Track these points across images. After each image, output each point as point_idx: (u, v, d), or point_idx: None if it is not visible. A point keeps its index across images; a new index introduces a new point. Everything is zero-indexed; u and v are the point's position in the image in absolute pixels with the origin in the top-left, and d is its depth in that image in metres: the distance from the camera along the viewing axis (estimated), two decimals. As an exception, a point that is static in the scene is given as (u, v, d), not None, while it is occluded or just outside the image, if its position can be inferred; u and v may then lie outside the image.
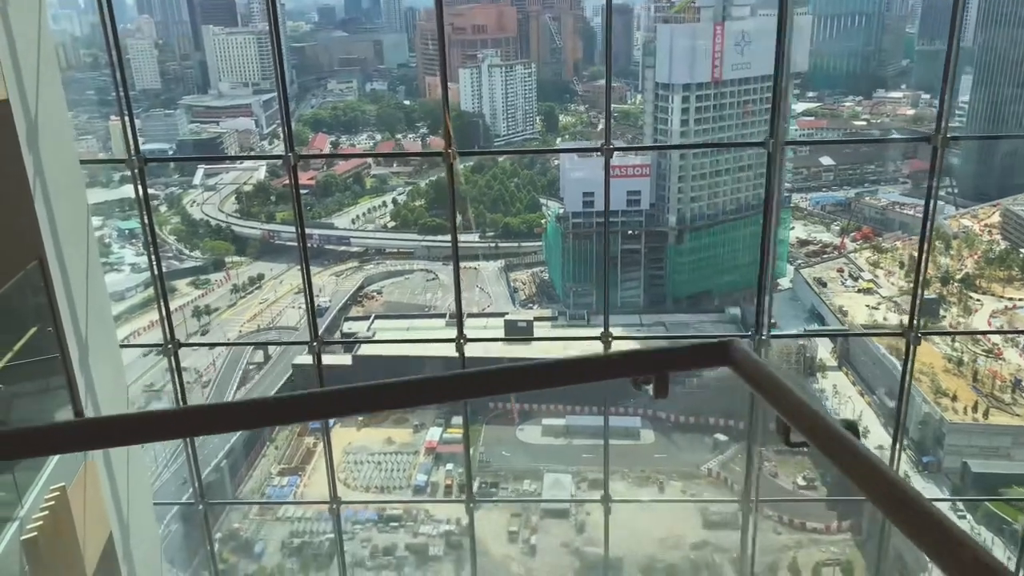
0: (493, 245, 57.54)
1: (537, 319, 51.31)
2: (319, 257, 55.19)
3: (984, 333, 48.81)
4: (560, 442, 43.45)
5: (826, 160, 59.94)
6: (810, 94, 63.19)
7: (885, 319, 47.61)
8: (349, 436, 43.12)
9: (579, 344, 37.46)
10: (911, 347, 10.06)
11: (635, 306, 52.20)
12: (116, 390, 8.55)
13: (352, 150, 63.86)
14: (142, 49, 64.69)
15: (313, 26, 74.01)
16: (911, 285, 10.51)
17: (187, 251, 57.79)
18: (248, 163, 65.12)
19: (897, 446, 11.14)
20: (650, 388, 2.19)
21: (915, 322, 10.17)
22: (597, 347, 10.56)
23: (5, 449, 2.24)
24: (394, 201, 61.28)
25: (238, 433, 38.99)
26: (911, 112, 61.67)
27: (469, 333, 10.10)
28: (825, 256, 54.13)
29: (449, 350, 10.21)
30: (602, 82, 62.34)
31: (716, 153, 52.71)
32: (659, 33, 54.92)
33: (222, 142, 63.13)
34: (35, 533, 6.08)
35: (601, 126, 59.85)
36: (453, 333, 10.07)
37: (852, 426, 1.77)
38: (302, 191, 10.85)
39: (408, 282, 56.63)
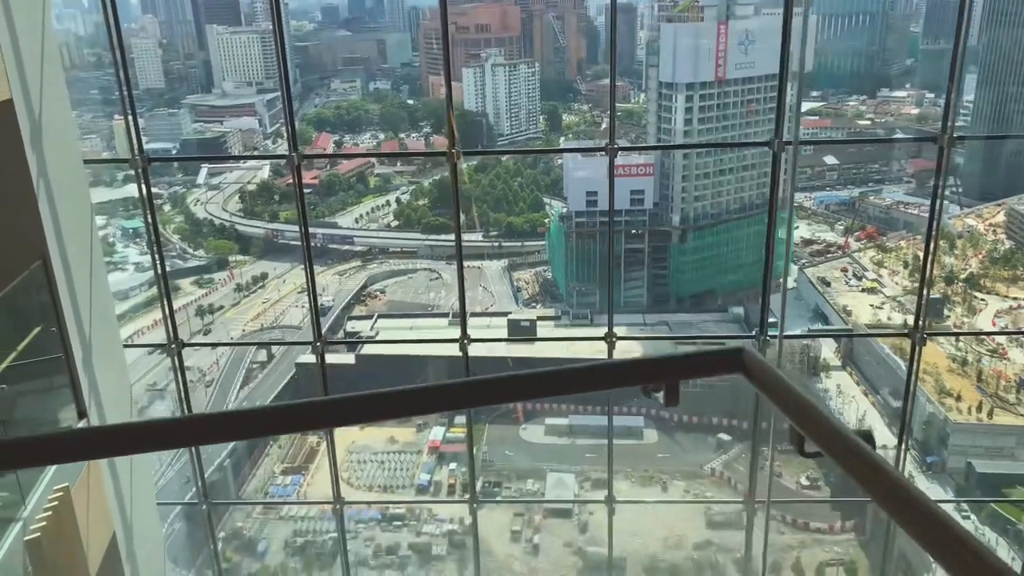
0: (496, 244, 57.51)
1: (540, 318, 51.23)
2: (322, 256, 55.25)
3: (991, 334, 48.65)
4: (563, 441, 43.40)
5: (830, 159, 59.79)
6: (814, 93, 63.03)
7: (889, 319, 47.48)
8: (352, 435, 43.12)
9: (583, 344, 37.47)
10: (917, 348, 10.03)
11: (638, 305, 52.13)
12: (119, 390, 8.54)
13: (355, 149, 63.88)
14: (146, 48, 64.74)
15: (317, 25, 74.04)
16: (915, 285, 10.49)
17: (191, 250, 57.87)
18: (252, 162, 65.19)
19: (902, 446, 11.11)
20: (660, 395, 2.17)
21: (920, 322, 10.14)
22: (601, 347, 10.55)
23: (6, 459, 2.22)
24: (397, 200, 61.28)
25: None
26: (915, 111, 61.54)
27: (472, 332, 10.08)
28: (829, 256, 54.02)
29: (453, 350, 10.20)
30: (605, 81, 62.28)
31: (720, 152, 52.64)
32: (663, 32, 54.87)
33: (226, 141, 63.19)
34: (38, 534, 6.07)
35: (604, 125, 59.84)
36: (456, 332, 10.07)
37: (868, 436, 1.74)
38: (305, 190, 10.84)
39: (411, 281, 56.64)
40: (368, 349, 43.59)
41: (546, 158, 62.79)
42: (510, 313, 50.49)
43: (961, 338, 43.99)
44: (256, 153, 65.63)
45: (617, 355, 10.99)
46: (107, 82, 53.66)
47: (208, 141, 62.45)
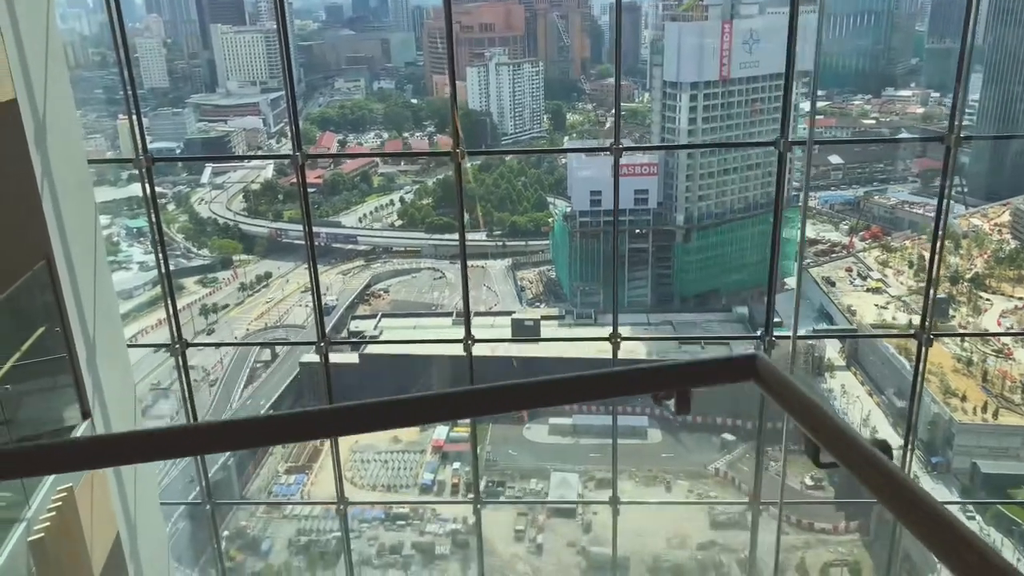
0: (500, 244, 57.49)
1: (544, 318, 51.19)
2: (326, 255, 55.29)
3: (997, 335, 48.49)
4: (567, 441, 43.36)
5: (835, 159, 59.61)
6: (819, 92, 62.82)
7: (894, 319, 47.35)
8: (355, 434, 43.10)
9: (587, 344, 37.36)
10: (923, 348, 9.98)
11: (642, 305, 52.07)
12: (123, 389, 8.53)
13: (359, 149, 63.89)
14: (150, 48, 64.82)
15: (321, 24, 74.07)
16: (920, 284, 10.45)
17: (195, 249, 57.94)
18: (256, 162, 65.24)
19: (908, 447, 11.05)
20: (671, 403, 2.13)
21: (927, 323, 10.09)
22: (605, 347, 10.53)
23: (7, 469, 2.19)
24: (401, 200, 61.28)
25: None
26: (920, 111, 61.33)
27: (475, 332, 10.07)
28: (833, 255, 53.87)
29: (456, 349, 10.19)
30: (610, 80, 62.23)
31: (724, 152, 52.51)
32: (667, 31, 54.78)
33: (230, 141, 63.24)
34: (42, 534, 6.06)
35: (608, 124, 59.76)
36: (460, 331, 10.06)
37: (885, 446, 1.71)
38: (309, 190, 10.82)
39: (415, 280, 56.66)
40: (372, 349, 43.59)
41: (550, 157, 62.71)
42: (514, 313, 50.45)
43: (966, 338, 43.86)
44: (260, 153, 65.70)
45: (621, 355, 10.97)
46: (111, 81, 53.71)
47: (212, 140, 62.49)
